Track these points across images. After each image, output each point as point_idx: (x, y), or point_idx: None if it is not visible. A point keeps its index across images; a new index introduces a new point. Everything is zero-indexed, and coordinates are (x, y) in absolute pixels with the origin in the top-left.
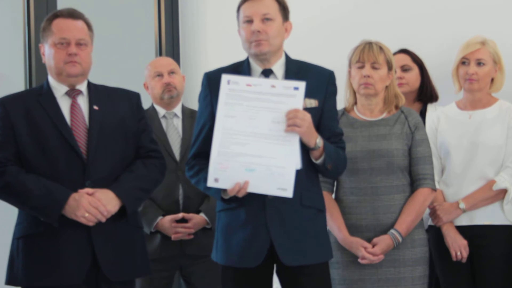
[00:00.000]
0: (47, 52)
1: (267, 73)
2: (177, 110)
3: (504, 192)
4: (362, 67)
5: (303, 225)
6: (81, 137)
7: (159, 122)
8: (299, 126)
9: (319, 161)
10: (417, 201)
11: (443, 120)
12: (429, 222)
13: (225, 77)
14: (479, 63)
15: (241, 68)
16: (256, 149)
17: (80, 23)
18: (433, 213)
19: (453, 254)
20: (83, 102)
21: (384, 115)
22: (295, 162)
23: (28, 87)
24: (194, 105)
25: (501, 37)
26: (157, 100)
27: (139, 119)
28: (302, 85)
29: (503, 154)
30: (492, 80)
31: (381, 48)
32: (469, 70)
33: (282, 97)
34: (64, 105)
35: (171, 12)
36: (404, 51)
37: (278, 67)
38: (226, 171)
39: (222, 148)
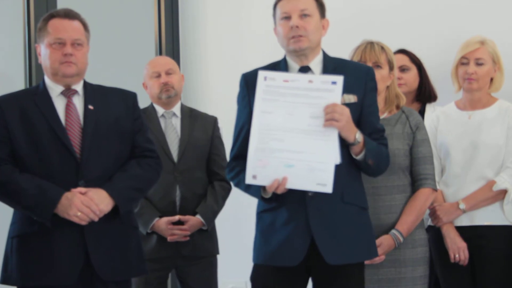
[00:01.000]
0: (43, 52)
1: (304, 70)
2: (176, 109)
3: (504, 192)
4: None
5: (345, 223)
6: (75, 137)
7: (157, 122)
8: (338, 121)
9: (359, 157)
10: (418, 201)
11: (442, 120)
12: (429, 222)
13: (261, 74)
14: (478, 63)
15: (278, 67)
16: (295, 144)
17: (76, 23)
18: (433, 213)
19: (451, 256)
20: (78, 102)
21: (385, 115)
22: (334, 157)
23: (28, 86)
24: (194, 104)
25: (500, 37)
26: (156, 100)
27: (135, 118)
28: (340, 79)
29: (503, 154)
30: (492, 80)
31: (382, 48)
32: (469, 70)
33: (320, 92)
34: (59, 104)
35: (171, 12)
36: (402, 51)
37: (316, 64)
38: (264, 167)
39: (260, 145)
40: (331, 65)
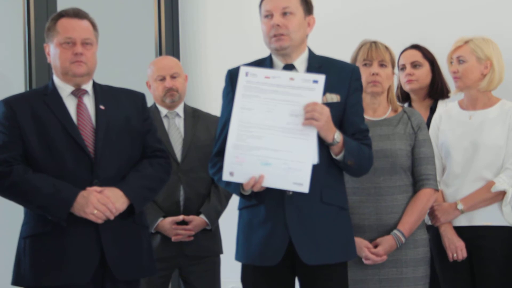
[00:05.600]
0: (53, 52)
1: (288, 68)
2: (179, 109)
3: (503, 193)
4: (369, 65)
5: (323, 223)
6: (88, 137)
7: (161, 122)
8: (317, 120)
9: (339, 157)
10: (420, 202)
11: (444, 120)
12: (429, 221)
13: (243, 69)
14: (459, 61)
15: (263, 64)
16: (273, 142)
17: (85, 23)
18: (432, 213)
19: (449, 255)
20: (89, 101)
21: (387, 115)
22: (312, 156)
23: (28, 87)
24: (194, 104)
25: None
26: (159, 102)
27: (144, 119)
28: (321, 78)
29: (503, 155)
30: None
31: (386, 47)
32: (452, 68)
33: (300, 90)
34: (70, 104)
35: (171, 12)
36: (415, 46)
37: (300, 62)
38: (241, 164)
39: (238, 141)
40: (316, 64)
